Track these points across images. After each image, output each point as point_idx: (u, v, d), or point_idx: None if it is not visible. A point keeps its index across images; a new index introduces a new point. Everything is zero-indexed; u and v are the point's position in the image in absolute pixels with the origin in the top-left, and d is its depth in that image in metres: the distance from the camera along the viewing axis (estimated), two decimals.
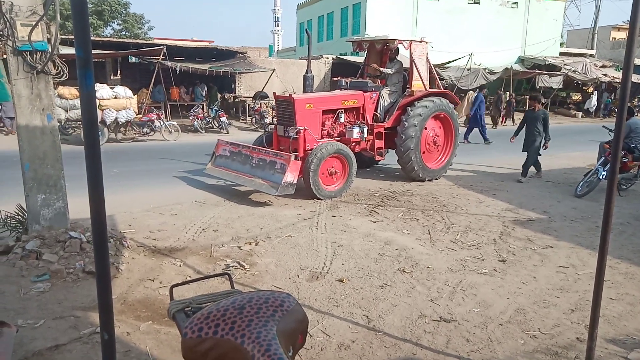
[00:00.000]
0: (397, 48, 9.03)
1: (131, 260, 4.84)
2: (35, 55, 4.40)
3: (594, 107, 26.37)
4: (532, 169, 9.58)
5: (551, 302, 4.23)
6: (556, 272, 4.92)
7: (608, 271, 3.23)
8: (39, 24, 4.29)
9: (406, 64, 9.10)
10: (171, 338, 3.45)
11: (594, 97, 26.49)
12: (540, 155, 9.43)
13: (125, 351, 3.24)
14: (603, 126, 9.78)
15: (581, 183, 8.26)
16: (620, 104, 2.78)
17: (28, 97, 4.46)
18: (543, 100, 20.48)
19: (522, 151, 9.42)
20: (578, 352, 3.42)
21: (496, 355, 3.39)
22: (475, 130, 15.24)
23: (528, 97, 9.56)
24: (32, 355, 3.13)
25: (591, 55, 31.45)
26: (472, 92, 20.80)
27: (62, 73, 4.64)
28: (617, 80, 26.10)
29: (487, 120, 19.87)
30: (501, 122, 21.20)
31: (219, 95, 19.64)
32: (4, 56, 4.48)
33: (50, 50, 4.43)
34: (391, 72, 8.94)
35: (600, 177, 7.97)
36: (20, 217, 4.97)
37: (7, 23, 4.25)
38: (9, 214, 5.01)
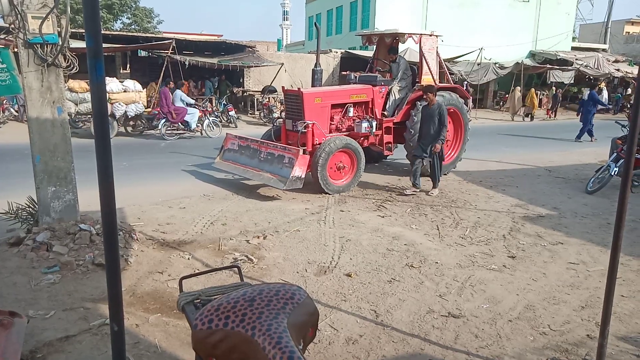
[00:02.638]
0: (397, 49, 8.95)
1: (140, 253, 4.87)
2: (45, 48, 4.41)
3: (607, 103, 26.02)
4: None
5: (561, 298, 4.19)
6: (566, 268, 4.87)
7: (619, 268, 3.19)
8: (50, 16, 4.30)
9: (416, 58, 9.02)
10: (179, 330, 3.47)
11: (605, 93, 26.12)
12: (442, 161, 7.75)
13: (134, 343, 3.26)
14: (616, 122, 9.64)
15: (592, 179, 8.16)
16: (635, 99, 2.73)
17: (39, 89, 4.49)
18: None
19: (415, 155, 7.77)
20: (588, 349, 3.38)
21: (505, 352, 3.36)
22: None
23: (422, 90, 8.17)
24: (42, 345, 3.16)
25: (604, 49, 30.99)
26: (518, 87, 21.44)
27: (72, 66, 4.65)
28: (630, 75, 25.74)
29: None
30: (549, 116, 22.97)
31: (228, 90, 19.64)
32: (15, 49, 4.50)
33: (60, 43, 4.45)
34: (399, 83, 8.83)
35: (612, 174, 7.86)
36: (31, 209, 5.02)
37: (19, 15, 4.27)
38: (20, 206, 5.06)
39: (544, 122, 21.83)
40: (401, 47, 9.38)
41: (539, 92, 24.50)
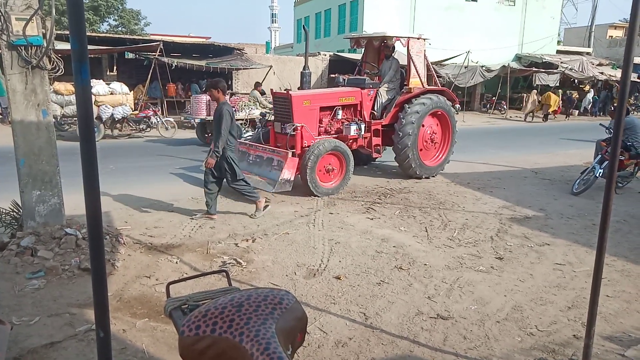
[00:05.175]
0: (393, 46, 8.99)
1: (127, 257, 4.81)
2: (30, 50, 4.35)
3: (590, 105, 26.52)
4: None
5: (548, 299, 4.23)
6: (553, 269, 4.92)
7: (605, 268, 3.23)
8: (34, 18, 4.25)
9: (403, 61, 9.08)
10: (167, 335, 3.43)
11: (590, 95, 26.60)
12: (235, 181, 6.18)
13: (121, 348, 3.22)
14: (600, 124, 9.78)
15: (578, 181, 8.27)
16: (619, 102, 2.77)
17: (23, 92, 4.42)
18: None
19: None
20: (575, 349, 3.42)
21: (493, 353, 3.38)
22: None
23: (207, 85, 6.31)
24: (27, 352, 3.10)
25: (588, 53, 31.51)
26: (535, 90, 22.67)
27: (57, 68, 4.60)
28: (614, 79, 26.19)
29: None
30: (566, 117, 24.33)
31: None
32: None
33: (45, 45, 4.39)
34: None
35: (597, 175, 7.97)
36: (15, 214, 4.93)
37: (2, 17, 4.20)
38: (4, 210, 4.97)
39: (563, 123, 22.64)
40: None
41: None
